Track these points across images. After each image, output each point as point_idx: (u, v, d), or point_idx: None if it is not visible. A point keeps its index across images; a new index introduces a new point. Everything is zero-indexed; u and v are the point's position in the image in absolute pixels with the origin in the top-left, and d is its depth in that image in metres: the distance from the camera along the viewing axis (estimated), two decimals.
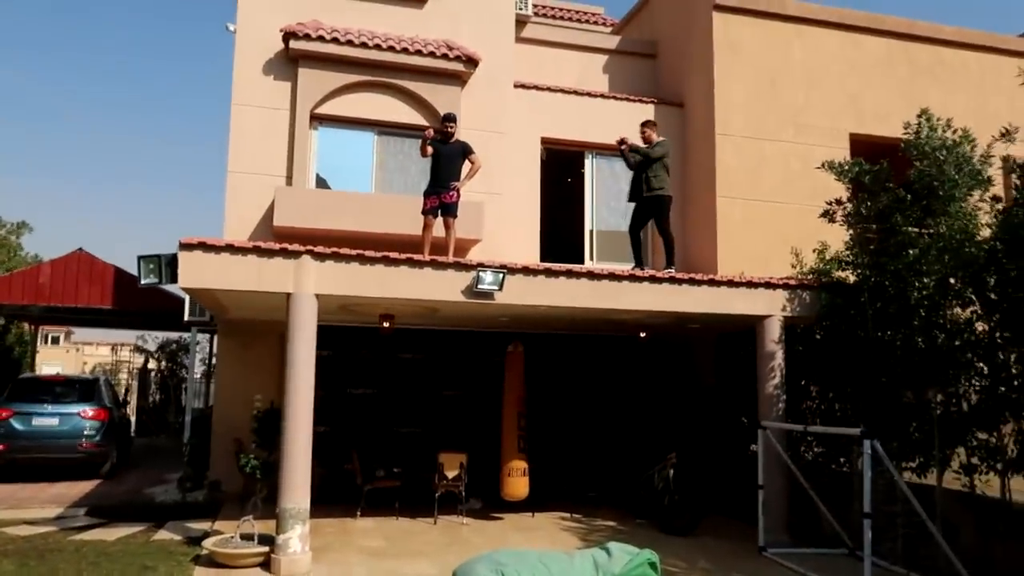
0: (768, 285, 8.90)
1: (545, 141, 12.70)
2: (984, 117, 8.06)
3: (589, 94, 12.95)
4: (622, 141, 9.73)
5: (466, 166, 9.48)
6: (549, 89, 12.77)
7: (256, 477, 8.38)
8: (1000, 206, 7.54)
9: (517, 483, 9.74)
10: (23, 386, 13.10)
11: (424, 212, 9.30)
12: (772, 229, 11.94)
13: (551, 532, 9.24)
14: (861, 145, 12.37)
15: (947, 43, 13.38)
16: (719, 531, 9.35)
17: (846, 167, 8.63)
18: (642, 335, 10.65)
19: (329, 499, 9.75)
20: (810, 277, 9.47)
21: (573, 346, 12.20)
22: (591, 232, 12.92)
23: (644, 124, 9.91)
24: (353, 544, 8.33)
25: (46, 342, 68.46)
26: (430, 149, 9.25)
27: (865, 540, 6.68)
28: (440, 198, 9.19)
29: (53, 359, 61.54)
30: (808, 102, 12.58)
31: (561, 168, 13.47)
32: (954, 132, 8.03)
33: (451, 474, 9.65)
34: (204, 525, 8.98)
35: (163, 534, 8.74)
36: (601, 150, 12.99)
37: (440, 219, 9.31)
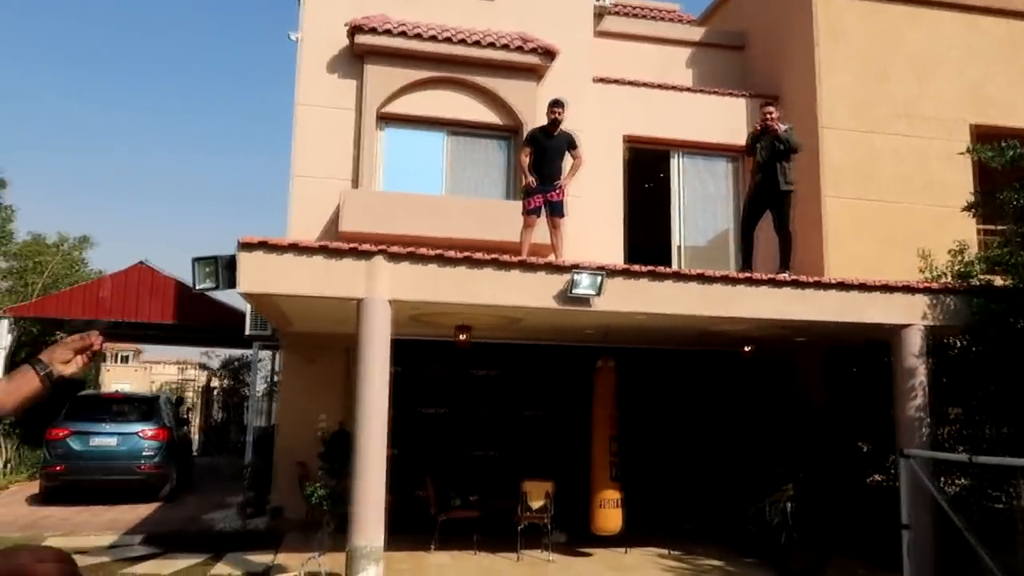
0: (907, 289, 7.68)
1: (628, 139, 11.71)
2: None
3: (676, 87, 11.92)
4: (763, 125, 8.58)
5: (567, 162, 8.58)
6: (632, 83, 11.78)
7: (323, 508, 7.51)
8: None
9: (610, 516, 8.66)
10: (82, 404, 12.58)
11: (527, 212, 8.40)
12: (884, 230, 10.72)
13: (650, 573, 8.13)
14: (984, 137, 11.00)
15: None
16: (844, 575, 8.08)
17: (997, 152, 7.37)
18: (747, 349, 9.49)
19: (399, 528, 8.76)
20: (947, 281, 8.22)
21: (664, 362, 11.06)
22: (679, 247, 11.78)
23: (771, 106, 8.70)
24: None
25: (116, 361, 70.05)
26: (526, 160, 8.42)
27: None
28: (546, 196, 8.28)
29: (123, 378, 62.69)
30: (922, 92, 11.32)
31: (640, 172, 12.45)
32: None
33: (536, 504, 8.63)
34: (266, 558, 8.16)
35: (221, 568, 7.95)
36: (689, 148, 11.94)
37: (545, 219, 8.45)
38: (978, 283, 7.98)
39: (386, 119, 10.88)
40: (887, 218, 10.83)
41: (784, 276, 7.64)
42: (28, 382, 1.81)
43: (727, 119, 11.82)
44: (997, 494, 7.62)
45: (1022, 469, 6.68)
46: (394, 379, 7.11)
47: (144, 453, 11.98)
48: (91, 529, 9.84)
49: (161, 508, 11.62)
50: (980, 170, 10.64)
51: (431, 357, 10.53)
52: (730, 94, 12.08)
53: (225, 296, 13.48)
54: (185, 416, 18.26)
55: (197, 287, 6.38)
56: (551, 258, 7.92)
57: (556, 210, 8.37)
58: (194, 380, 30.19)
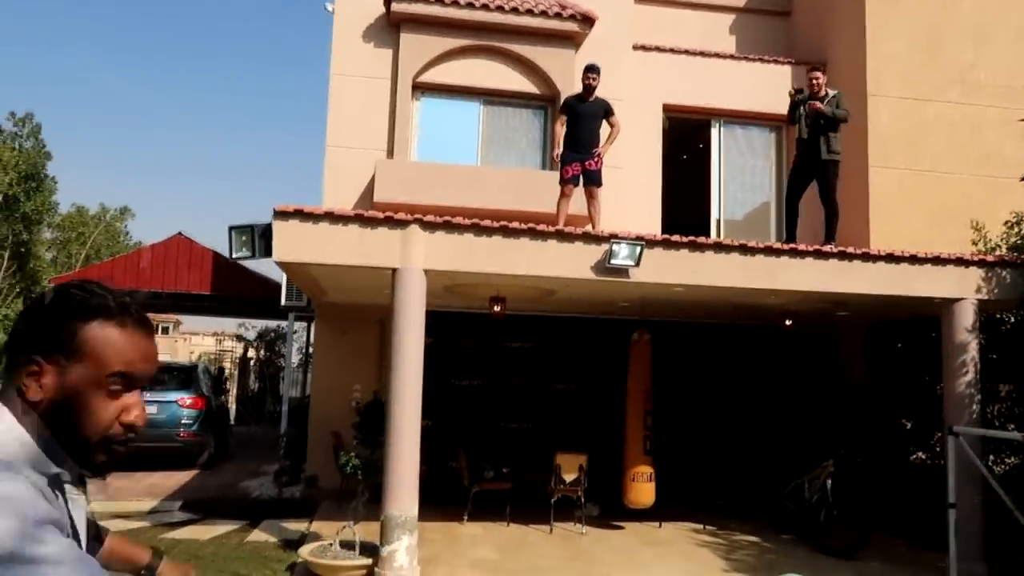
0: (960, 261, 7.38)
1: (667, 108, 11.43)
2: None
3: (718, 55, 11.59)
4: (799, 90, 8.31)
5: (604, 129, 8.38)
6: (672, 50, 11.47)
7: (357, 478, 7.52)
8: None
9: (642, 490, 8.56)
10: None
11: (563, 181, 8.20)
12: (935, 202, 10.36)
13: (684, 548, 8.03)
14: None
15: None
16: (885, 553, 7.89)
17: None
18: (788, 323, 9.26)
19: (432, 499, 8.74)
20: (1002, 254, 7.90)
21: (702, 336, 10.87)
22: (718, 221, 11.52)
23: (816, 70, 8.33)
24: (463, 555, 7.37)
25: (157, 332, 71.43)
26: (561, 130, 8.22)
27: None
28: (583, 164, 8.08)
29: (162, 348, 63.98)
30: (978, 58, 10.84)
31: (678, 144, 12.15)
32: None
33: (569, 477, 8.56)
34: (301, 525, 8.23)
35: (258, 535, 8.03)
36: (730, 118, 11.63)
37: (582, 189, 8.25)
38: None
39: (421, 88, 10.75)
40: (938, 189, 10.46)
41: (830, 247, 7.40)
42: (136, 559, 1.72)
43: (771, 87, 11.45)
44: None
45: None
46: (428, 350, 7.04)
47: (183, 421, 12.15)
48: (132, 495, 10.01)
49: (199, 475, 11.79)
50: None
51: (465, 329, 10.48)
52: (775, 61, 11.71)
53: (261, 267, 13.56)
54: (223, 386, 18.53)
55: (233, 255, 6.37)
56: (588, 228, 7.77)
57: (593, 179, 8.16)
58: (231, 351, 30.60)
